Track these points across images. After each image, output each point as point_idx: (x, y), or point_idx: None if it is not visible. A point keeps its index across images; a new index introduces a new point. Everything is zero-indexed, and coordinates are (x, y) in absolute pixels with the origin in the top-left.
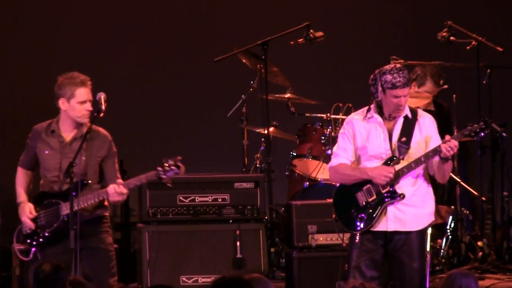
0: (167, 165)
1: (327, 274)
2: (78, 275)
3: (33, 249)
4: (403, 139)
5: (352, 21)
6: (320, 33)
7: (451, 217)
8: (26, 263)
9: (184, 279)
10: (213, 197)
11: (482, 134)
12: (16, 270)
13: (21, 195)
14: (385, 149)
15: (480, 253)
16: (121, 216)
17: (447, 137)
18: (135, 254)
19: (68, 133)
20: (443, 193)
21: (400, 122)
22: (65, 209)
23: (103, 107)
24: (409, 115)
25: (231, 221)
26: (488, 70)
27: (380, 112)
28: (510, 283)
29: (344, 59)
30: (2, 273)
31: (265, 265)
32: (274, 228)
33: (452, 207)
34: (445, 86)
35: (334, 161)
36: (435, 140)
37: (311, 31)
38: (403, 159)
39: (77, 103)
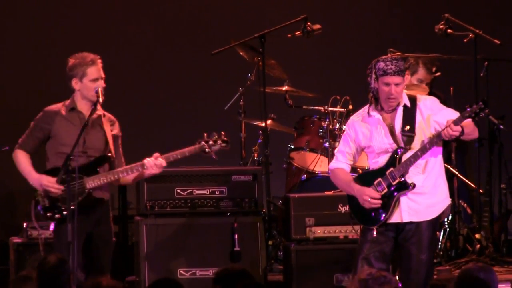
0: (212, 139)
1: (325, 267)
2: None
3: (52, 223)
4: (407, 127)
5: (350, 13)
6: (317, 26)
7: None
8: (23, 254)
9: (181, 272)
10: (210, 190)
11: (482, 114)
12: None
13: (32, 171)
14: (389, 144)
15: (478, 246)
16: (119, 209)
17: (448, 121)
18: (133, 247)
19: (86, 111)
20: None
21: (400, 112)
22: (91, 182)
23: (101, 99)
24: (408, 104)
25: (228, 214)
26: (486, 63)
27: (378, 106)
28: (508, 276)
29: (341, 52)
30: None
31: (263, 258)
32: (272, 221)
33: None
34: (438, 74)
35: (333, 164)
36: (444, 115)
37: (309, 23)
38: (409, 148)
39: (89, 81)
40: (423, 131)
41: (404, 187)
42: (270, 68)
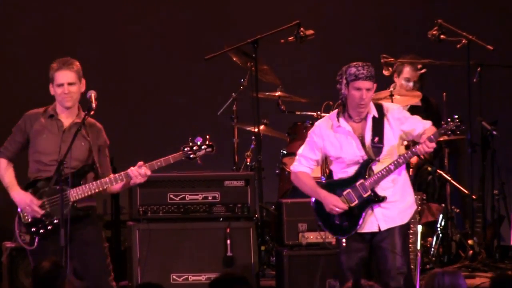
0: (196, 144)
1: (318, 272)
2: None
3: (37, 238)
4: (376, 139)
5: (343, 19)
6: (310, 31)
7: (441, 215)
8: (15, 259)
9: (174, 277)
10: (203, 195)
11: (458, 132)
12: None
13: (14, 184)
14: (361, 156)
15: (471, 252)
16: (112, 214)
17: (423, 138)
18: (125, 252)
19: (65, 119)
20: (434, 191)
21: (369, 123)
22: (74, 195)
23: (94, 105)
24: (376, 115)
25: (221, 219)
26: (479, 69)
27: (346, 114)
28: None
29: (334, 57)
30: None
31: (256, 263)
32: (265, 226)
33: (443, 205)
34: (424, 70)
35: (296, 166)
36: (411, 124)
37: (302, 29)
38: (379, 160)
39: (56, 87)
40: (391, 142)
41: (377, 199)
42: (263, 73)
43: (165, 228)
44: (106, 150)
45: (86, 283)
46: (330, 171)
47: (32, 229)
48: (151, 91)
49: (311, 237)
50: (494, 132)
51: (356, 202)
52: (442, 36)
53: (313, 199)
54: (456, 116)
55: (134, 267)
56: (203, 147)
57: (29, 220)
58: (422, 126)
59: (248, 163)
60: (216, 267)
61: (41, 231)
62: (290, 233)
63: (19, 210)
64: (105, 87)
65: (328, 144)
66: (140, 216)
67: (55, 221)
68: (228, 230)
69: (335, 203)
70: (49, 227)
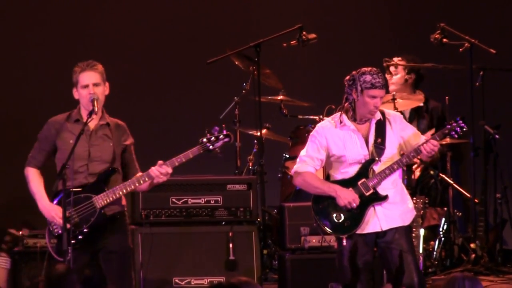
0: (213, 136)
1: (320, 276)
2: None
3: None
4: (378, 140)
5: (345, 23)
6: (313, 35)
7: (443, 219)
8: (18, 263)
9: (176, 280)
10: (205, 199)
11: (461, 133)
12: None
13: (42, 196)
14: (364, 155)
15: (473, 255)
16: None
17: (427, 136)
18: None
19: (91, 122)
20: (436, 195)
21: (373, 124)
22: (100, 201)
23: (96, 109)
24: (379, 118)
25: (223, 223)
26: (481, 72)
27: (352, 116)
28: (503, 285)
29: (336, 61)
30: None
31: (258, 267)
32: (267, 230)
33: (445, 209)
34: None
35: (300, 167)
36: (409, 132)
37: (304, 33)
38: (380, 161)
39: (81, 89)
40: (392, 145)
41: (378, 198)
42: (265, 77)
43: (167, 232)
44: (131, 148)
45: None
46: (328, 176)
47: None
48: (153, 95)
49: (314, 240)
50: (497, 136)
51: (359, 200)
52: (444, 40)
53: (312, 197)
54: (460, 118)
55: (137, 270)
56: (220, 137)
57: (59, 232)
58: (421, 138)
59: (250, 167)
60: (219, 271)
61: (72, 241)
62: (292, 237)
63: (48, 222)
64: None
65: (332, 143)
66: (142, 220)
67: (85, 230)
68: (230, 234)
69: (353, 197)
70: (79, 237)
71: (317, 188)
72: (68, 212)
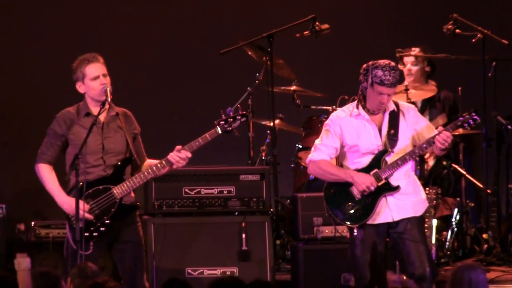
0: (229, 116)
1: (333, 267)
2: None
3: (91, 242)
4: (391, 131)
5: (358, 13)
6: (326, 26)
7: (456, 210)
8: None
9: (189, 271)
10: (218, 189)
11: (474, 124)
12: None
13: (59, 191)
14: (377, 145)
15: (485, 246)
16: None
17: (440, 128)
18: None
19: (101, 114)
20: (449, 186)
21: (386, 115)
22: (120, 191)
23: (109, 99)
24: (393, 109)
25: (236, 213)
26: (494, 63)
27: (364, 106)
28: None
29: (349, 51)
30: (8, 265)
31: (271, 258)
32: (280, 221)
33: (458, 199)
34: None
35: (315, 155)
36: (422, 125)
37: (317, 23)
38: (393, 152)
39: (90, 81)
40: (405, 136)
41: (390, 188)
42: (278, 67)
43: (180, 222)
44: (139, 136)
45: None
46: (341, 166)
47: (85, 234)
48: (167, 85)
49: (326, 231)
50: (509, 127)
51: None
52: (457, 31)
53: (324, 187)
54: (473, 110)
55: (150, 261)
56: (237, 118)
57: (81, 225)
58: (434, 131)
59: (263, 157)
60: (231, 261)
61: (94, 234)
62: (305, 227)
63: (69, 216)
64: (121, 82)
65: (346, 131)
66: (155, 210)
67: (107, 222)
68: (243, 224)
69: (371, 180)
70: (102, 229)
71: (333, 174)
72: (88, 205)
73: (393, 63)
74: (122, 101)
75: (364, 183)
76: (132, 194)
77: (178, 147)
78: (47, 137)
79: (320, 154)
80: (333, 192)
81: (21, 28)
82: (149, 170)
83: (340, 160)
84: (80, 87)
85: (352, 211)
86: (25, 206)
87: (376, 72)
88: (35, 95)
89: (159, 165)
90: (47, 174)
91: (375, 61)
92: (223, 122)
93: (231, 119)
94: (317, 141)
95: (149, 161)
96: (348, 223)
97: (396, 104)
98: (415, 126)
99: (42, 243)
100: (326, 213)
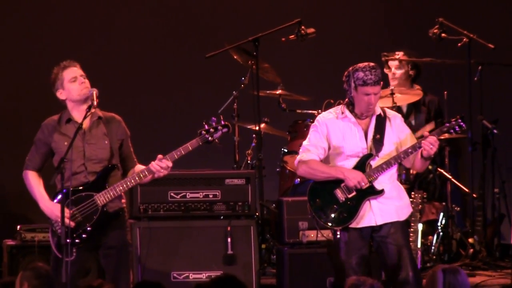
0: (212, 127)
1: (318, 270)
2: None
3: (74, 248)
4: (377, 136)
5: (343, 17)
6: (311, 30)
7: (442, 214)
8: (16, 257)
9: (175, 275)
10: (204, 193)
11: (459, 131)
12: None
13: (45, 197)
14: (362, 148)
15: (471, 250)
16: None
17: (425, 133)
18: None
19: (86, 118)
20: (434, 190)
21: (373, 120)
22: (102, 199)
23: (95, 103)
24: (382, 113)
25: (222, 217)
26: (479, 67)
27: (352, 111)
28: (500, 280)
29: (335, 55)
30: None
31: (256, 262)
32: (265, 225)
33: (443, 203)
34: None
35: (304, 156)
36: (406, 135)
37: (303, 27)
38: (378, 156)
39: (68, 83)
40: (390, 142)
41: (374, 192)
42: (263, 71)
43: (165, 226)
44: (128, 141)
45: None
46: None
47: (67, 240)
48: (152, 89)
49: (312, 235)
50: (495, 131)
51: (354, 193)
52: (443, 35)
53: (308, 189)
54: (459, 117)
55: (135, 265)
56: (219, 128)
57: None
58: (415, 141)
59: (249, 161)
60: (217, 265)
61: (76, 241)
62: (290, 231)
63: (51, 222)
64: (105, 86)
65: (332, 132)
66: (140, 214)
67: (89, 229)
68: (228, 228)
69: (361, 177)
70: (83, 236)
71: (323, 172)
72: (70, 211)
73: (372, 63)
74: (106, 105)
75: (355, 178)
76: (123, 200)
77: (160, 156)
78: (34, 145)
79: (309, 154)
80: (317, 195)
81: (14, 32)
82: (131, 180)
83: (324, 162)
84: (61, 94)
85: (335, 214)
86: (11, 209)
87: (357, 74)
88: (25, 102)
89: (141, 174)
90: (31, 180)
91: (354, 66)
92: (204, 132)
93: (213, 130)
94: (305, 142)
95: (139, 166)
96: (331, 225)
97: (383, 110)
98: (400, 135)
99: (28, 247)
100: (310, 215)
